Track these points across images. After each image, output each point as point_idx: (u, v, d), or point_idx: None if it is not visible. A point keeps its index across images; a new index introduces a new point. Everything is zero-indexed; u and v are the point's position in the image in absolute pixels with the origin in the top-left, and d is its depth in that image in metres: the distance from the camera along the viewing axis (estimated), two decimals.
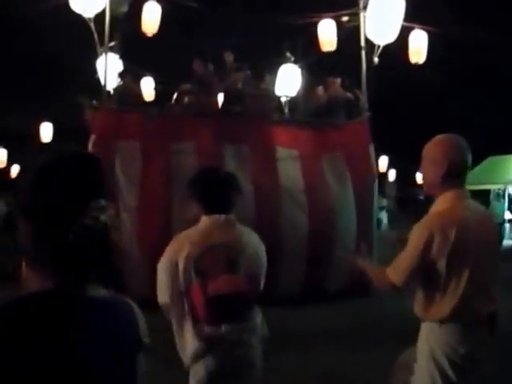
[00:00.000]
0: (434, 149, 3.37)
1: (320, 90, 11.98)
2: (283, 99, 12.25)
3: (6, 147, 21.99)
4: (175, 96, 11.63)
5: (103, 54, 10.24)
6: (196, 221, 3.48)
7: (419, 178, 21.85)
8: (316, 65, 12.24)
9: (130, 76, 11.51)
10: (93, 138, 9.67)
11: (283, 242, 9.76)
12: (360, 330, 8.10)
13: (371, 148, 10.79)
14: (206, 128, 10.12)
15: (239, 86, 11.23)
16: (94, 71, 11.08)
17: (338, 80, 11.59)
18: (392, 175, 28.71)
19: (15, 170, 24.96)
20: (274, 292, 9.67)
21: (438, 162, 3.31)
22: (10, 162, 23.54)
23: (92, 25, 9.74)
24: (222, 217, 3.42)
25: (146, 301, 2.99)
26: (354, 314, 8.95)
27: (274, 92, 12.00)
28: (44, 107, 17.60)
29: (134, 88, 11.63)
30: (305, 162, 10.39)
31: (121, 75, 11.15)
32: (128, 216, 9.31)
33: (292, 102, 12.29)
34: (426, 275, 3.30)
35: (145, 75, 13.08)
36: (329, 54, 11.46)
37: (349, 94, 11.39)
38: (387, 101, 16.41)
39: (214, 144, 10.00)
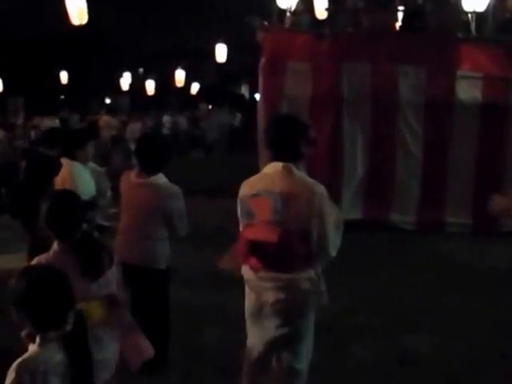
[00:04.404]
0: None
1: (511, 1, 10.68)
2: (470, 14, 11.06)
3: (183, 68, 22.77)
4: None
5: None
6: None
7: None
8: None
9: None
10: (262, 60, 9.57)
11: (449, 175, 9.31)
12: None
13: None
14: (382, 48, 9.43)
15: (419, 1, 10.28)
16: None
17: None
18: None
19: (195, 87, 25.86)
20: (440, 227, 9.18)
21: None
22: (188, 81, 24.34)
23: None
24: (280, 164, 3.44)
25: None
26: None
27: (460, 6, 10.86)
28: (219, 28, 17.74)
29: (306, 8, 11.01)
30: (488, 86, 9.33)
31: None
32: None
33: (480, 17, 11.06)
34: None
35: None
36: None
37: None
38: None
39: (389, 65, 9.34)
